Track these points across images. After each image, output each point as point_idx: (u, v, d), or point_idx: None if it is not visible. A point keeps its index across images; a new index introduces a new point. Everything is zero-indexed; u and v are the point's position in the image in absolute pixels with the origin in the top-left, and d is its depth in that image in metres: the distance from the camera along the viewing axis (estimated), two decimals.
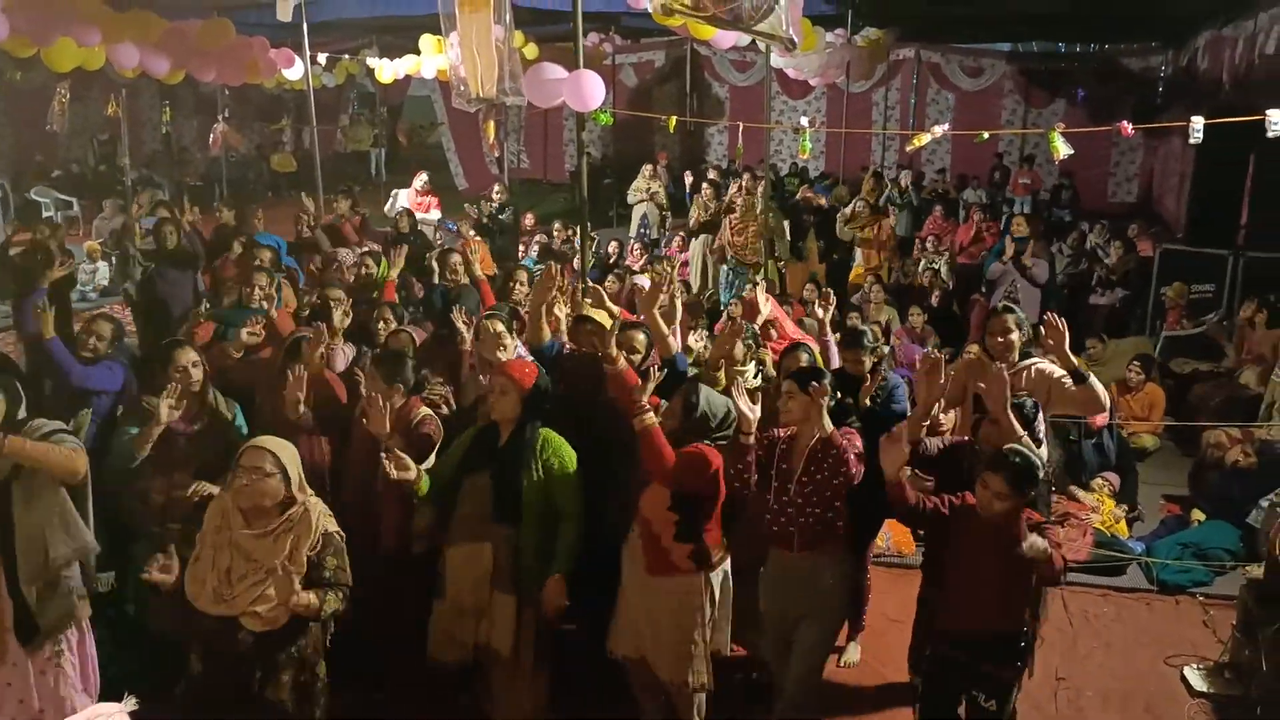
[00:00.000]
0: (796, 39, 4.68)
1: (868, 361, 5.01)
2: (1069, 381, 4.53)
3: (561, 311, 5.41)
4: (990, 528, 3.64)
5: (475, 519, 4.09)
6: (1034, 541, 3.51)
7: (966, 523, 3.76)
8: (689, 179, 15.06)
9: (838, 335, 5.54)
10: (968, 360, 5.11)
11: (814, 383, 3.97)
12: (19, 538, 3.63)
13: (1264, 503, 6.09)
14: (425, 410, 4.54)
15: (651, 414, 3.98)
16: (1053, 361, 4.66)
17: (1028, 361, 4.78)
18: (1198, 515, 6.77)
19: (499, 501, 4.07)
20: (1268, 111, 5.03)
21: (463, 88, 4.96)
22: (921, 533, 5.38)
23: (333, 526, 3.52)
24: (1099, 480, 7.07)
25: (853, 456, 3.98)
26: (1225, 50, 11.85)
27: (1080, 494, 6.92)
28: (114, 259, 12.46)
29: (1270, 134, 5.07)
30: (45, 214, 15.61)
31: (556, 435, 4.17)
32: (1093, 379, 4.52)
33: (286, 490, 3.41)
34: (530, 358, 4.59)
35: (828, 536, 4.06)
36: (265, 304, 5.66)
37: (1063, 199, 16.33)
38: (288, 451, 3.49)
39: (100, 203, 14.57)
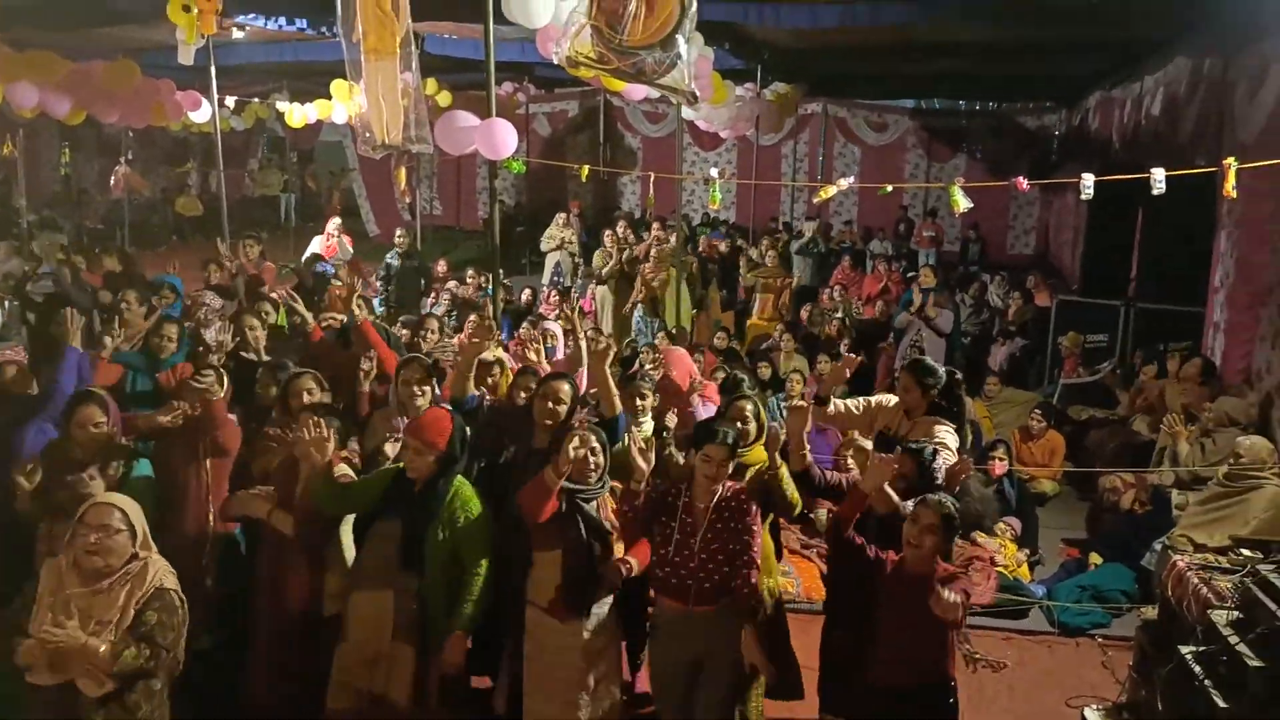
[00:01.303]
0: (698, 92, 4.78)
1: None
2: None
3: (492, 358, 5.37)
4: (917, 580, 3.70)
5: (381, 565, 4.00)
6: (947, 598, 3.57)
7: (896, 575, 3.82)
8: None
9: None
10: (887, 403, 5.19)
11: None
12: None
13: (1157, 545, 6.27)
14: (344, 467, 4.40)
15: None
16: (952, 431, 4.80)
17: (939, 436, 4.83)
18: (1095, 559, 6.95)
19: (407, 550, 3.98)
20: (1152, 169, 5.27)
21: (368, 134, 4.94)
22: (829, 575, 5.40)
23: (170, 584, 3.38)
24: (1001, 525, 7.22)
25: (756, 510, 4.00)
26: (1114, 111, 12.43)
27: (983, 539, 7.06)
28: (7, 304, 12.03)
29: (1155, 190, 5.30)
30: None
31: (468, 487, 4.11)
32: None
33: (132, 547, 3.32)
34: (448, 407, 4.47)
35: (727, 592, 4.00)
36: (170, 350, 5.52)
37: (971, 253, 16.88)
38: (134, 508, 3.39)
39: None
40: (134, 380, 5.67)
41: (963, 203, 5.98)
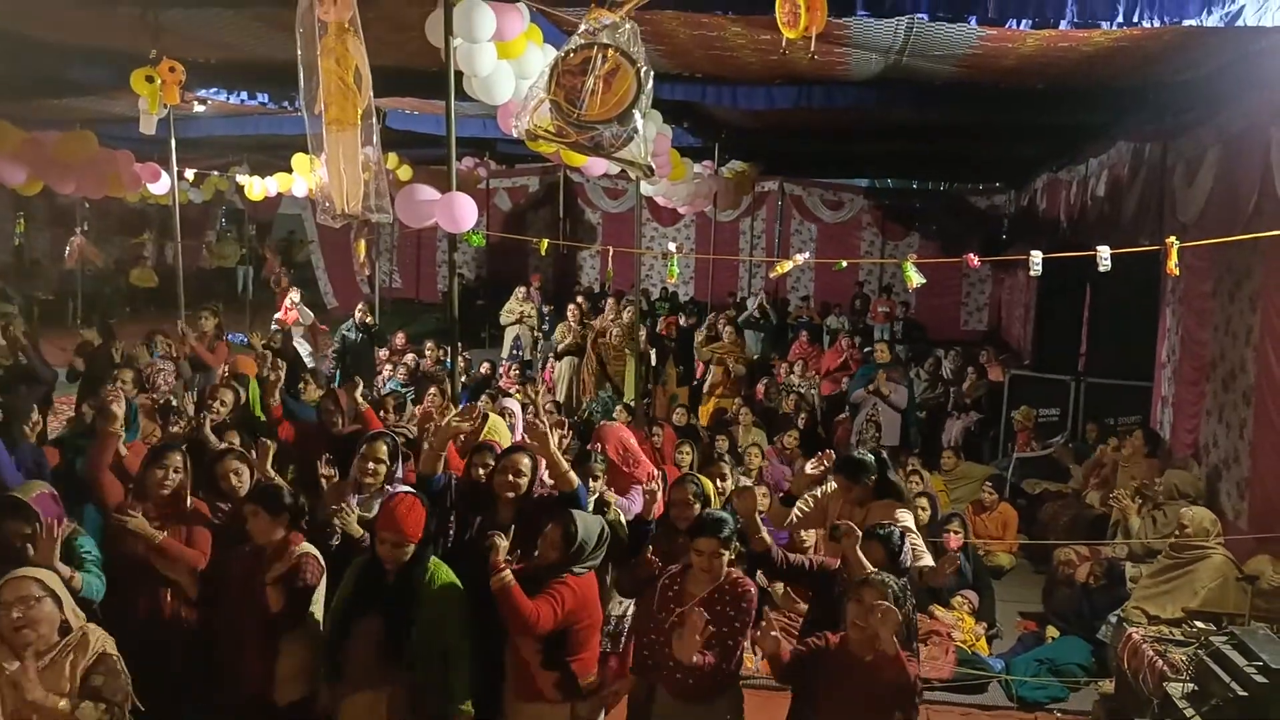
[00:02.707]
0: (655, 167, 4.88)
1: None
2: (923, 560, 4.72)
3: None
4: (863, 662, 3.67)
5: (368, 665, 3.91)
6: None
7: (840, 656, 3.78)
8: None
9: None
10: (833, 491, 5.22)
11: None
12: None
13: (1112, 618, 6.32)
14: (305, 547, 4.27)
15: (509, 573, 3.89)
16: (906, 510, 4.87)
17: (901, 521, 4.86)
18: (1052, 632, 6.98)
19: (392, 644, 3.90)
20: (1098, 247, 5.41)
21: (328, 204, 4.97)
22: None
23: (111, 649, 3.38)
24: (959, 598, 7.23)
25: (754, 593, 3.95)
26: (1061, 192, 12.79)
27: (940, 612, 7.06)
28: None
29: (1101, 268, 5.44)
30: None
31: (444, 567, 4.07)
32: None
33: (61, 614, 3.29)
34: (412, 490, 4.40)
35: (726, 686, 3.93)
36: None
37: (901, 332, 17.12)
38: (53, 576, 3.38)
39: None
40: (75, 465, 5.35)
41: (916, 278, 6.09)
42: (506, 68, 6.13)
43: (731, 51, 7.67)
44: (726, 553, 3.96)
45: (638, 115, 4.64)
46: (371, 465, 4.77)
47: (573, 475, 4.56)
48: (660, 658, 3.92)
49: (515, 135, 5.15)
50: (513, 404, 6.69)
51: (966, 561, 7.45)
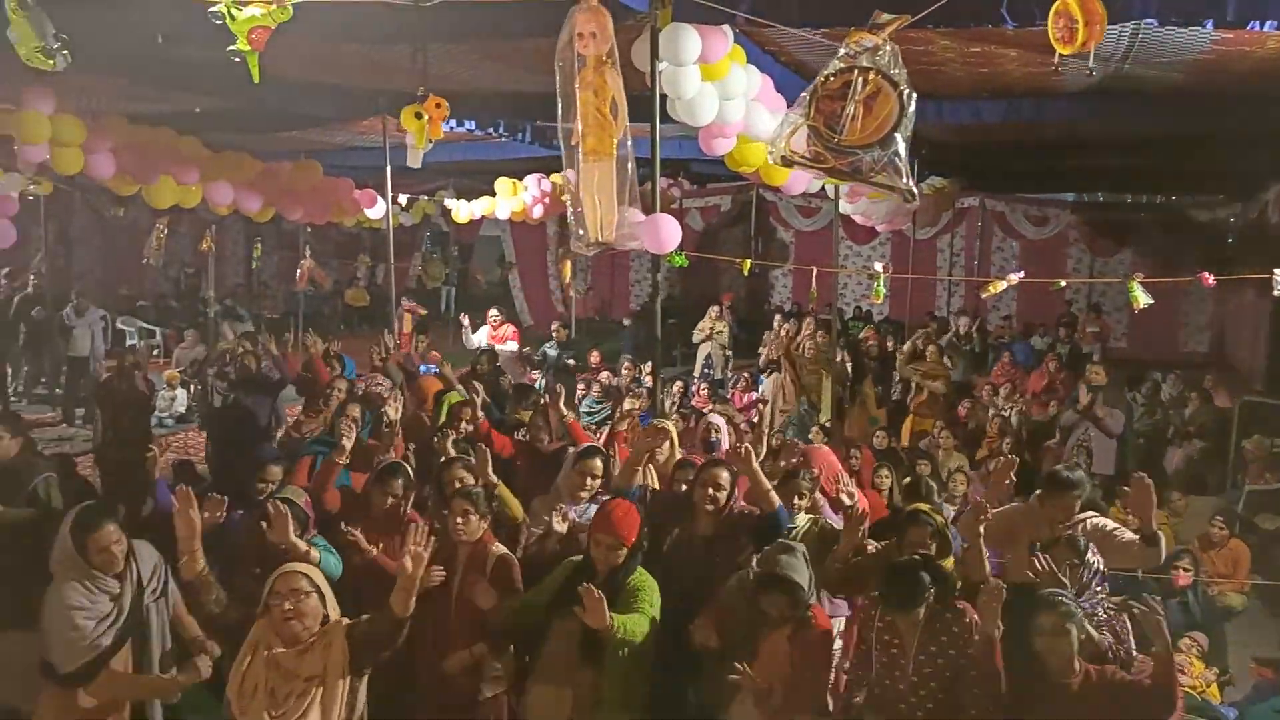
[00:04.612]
0: (915, 190, 4.78)
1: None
2: (1126, 536, 4.47)
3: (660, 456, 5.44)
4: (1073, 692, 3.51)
5: (561, 663, 4.02)
6: None
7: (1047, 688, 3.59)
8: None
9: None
10: (1024, 508, 4.97)
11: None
12: None
13: None
14: (500, 548, 4.45)
15: None
16: (1125, 515, 4.60)
17: (1082, 516, 4.69)
18: None
19: (587, 647, 3.98)
20: None
21: (581, 231, 5.11)
22: None
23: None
24: (1186, 640, 6.75)
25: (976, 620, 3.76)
26: None
27: None
28: (192, 387, 12.81)
29: None
30: (129, 341, 16.15)
31: (649, 578, 4.12)
32: (1162, 544, 4.44)
33: (323, 609, 3.49)
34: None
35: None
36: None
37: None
38: (317, 573, 3.59)
39: (182, 332, 15.05)
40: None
41: (1143, 298, 5.76)
42: (710, 89, 6.18)
43: (938, 65, 7.48)
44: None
45: (899, 139, 4.56)
46: (589, 480, 4.92)
47: (774, 495, 4.53)
48: (891, 696, 3.79)
49: (770, 161, 5.16)
50: (718, 419, 6.72)
51: (1196, 600, 6.97)
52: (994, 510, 4.93)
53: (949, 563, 4.32)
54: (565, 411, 6.10)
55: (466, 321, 12.52)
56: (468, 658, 4.23)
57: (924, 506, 5.01)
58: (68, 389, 12.46)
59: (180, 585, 4.03)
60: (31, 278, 13.82)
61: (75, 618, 3.72)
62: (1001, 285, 6.90)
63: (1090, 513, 4.75)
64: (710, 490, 4.53)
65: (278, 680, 3.38)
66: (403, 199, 14.94)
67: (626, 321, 18.54)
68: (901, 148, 4.60)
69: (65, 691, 3.78)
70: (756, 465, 4.55)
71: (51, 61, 4.44)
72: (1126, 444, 9.66)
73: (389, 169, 10.05)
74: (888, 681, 3.78)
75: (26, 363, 13.39)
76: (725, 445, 6.39)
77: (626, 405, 6.67)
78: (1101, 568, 4.23)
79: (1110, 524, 4.61)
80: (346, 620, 3.51)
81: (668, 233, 5.65)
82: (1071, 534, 4.24)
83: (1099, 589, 4.17)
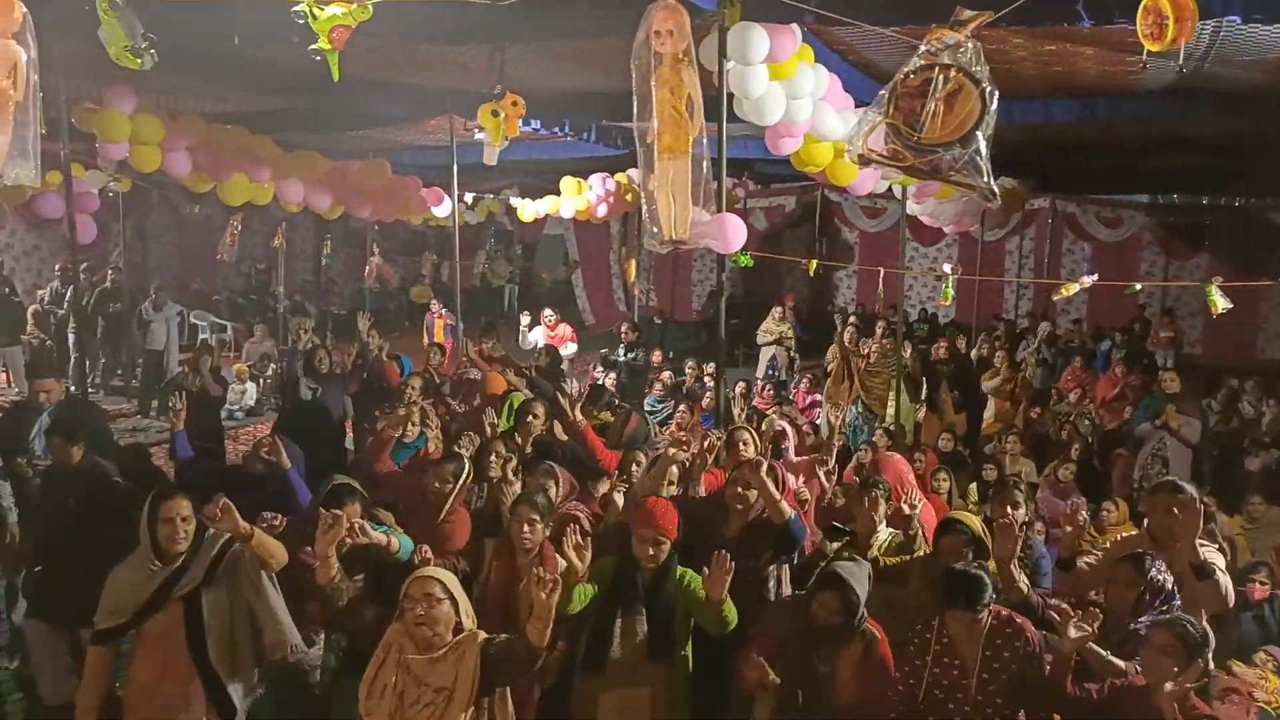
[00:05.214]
0: (996, 189, 4.69)
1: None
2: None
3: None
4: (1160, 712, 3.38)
5: (631, 663, 4.04)
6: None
7: (1137, 706, 3.48)
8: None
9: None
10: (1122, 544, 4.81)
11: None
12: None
13: None
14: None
15: None
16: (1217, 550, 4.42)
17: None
18: None
19: (656, 642, 4.03)
20: None
21: (655, 229, 5.12)
22: None
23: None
24: (1262, 655, 6.54)
25: (1034, 635, 3.68)
26: None
27: (1240, 668, 6.41)
28: (262, 381, 13.06)
29: None
30: (201, 336, 16.52)
31: (690, 570, 4.15)
32: (1219, 576, 4.14)
33: (456, 616, 3.48)
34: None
35: None
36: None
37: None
38: (451, 579, 3.57)
39: (252, 327, 15.36)
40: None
41: (1221, 303, 5.61)
42: (778, 89, 6.15)
43: (1010, 64, 7.35)
44: (985, 615, 3.69)
45: (980, 137, 4.48)
46: (665, 485, 4.97)
47: (784, 505, 4.48)
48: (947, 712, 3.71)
49: (847, 160, 5.11)
50: (783, 424, 6.68)
51: (1272, 614, 6.75)
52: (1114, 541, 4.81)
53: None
54: (578, 416, 5.92)
55: (526, 320, 12.59)
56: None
57: (960, 515, 4.95)
58: (144, 381, 12.78)
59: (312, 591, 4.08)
60: (110, 272, 14.19)
61: (119, 582, 4.01)
62: (1075, 287, 6.77)
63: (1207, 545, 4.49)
64: (739, 489, 4.57)
65: (408, 684, 3.41)
66: (468, 197, 15.08)
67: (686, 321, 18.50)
68: (983, 146, 4.50)
69: (95, 649, 4.07)
70: (765, 476, 4.48)
71: (139, 61, 4.53)
72: (1203, 453, 9.41)
73: (455, 167, 10.16)
74: (951, 705, 3.69)
75: (104, 355, 13.75)
76: (792, 452, 6.37)
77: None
78: (1170, 586, 4.08)
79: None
80: (483, 635, 3.50)
81: (734, 232, 5.64)
82: (1139, 553, 4.10)
83: (1164, 609, 4.01)
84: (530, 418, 6.08)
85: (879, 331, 10.55)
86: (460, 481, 4.90)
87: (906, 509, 4.92)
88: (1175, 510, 4.27)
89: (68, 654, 5.26)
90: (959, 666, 3.69)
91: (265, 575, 4.08)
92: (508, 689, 3.55)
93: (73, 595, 4.72)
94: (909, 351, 11.10)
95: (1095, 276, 6.81)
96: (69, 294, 13.15)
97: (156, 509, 3.99)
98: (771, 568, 4.65)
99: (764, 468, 4.49)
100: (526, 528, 4.24)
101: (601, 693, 4.06)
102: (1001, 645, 3.68)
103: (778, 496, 4.49)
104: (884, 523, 5.01)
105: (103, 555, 4.26)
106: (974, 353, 12.79)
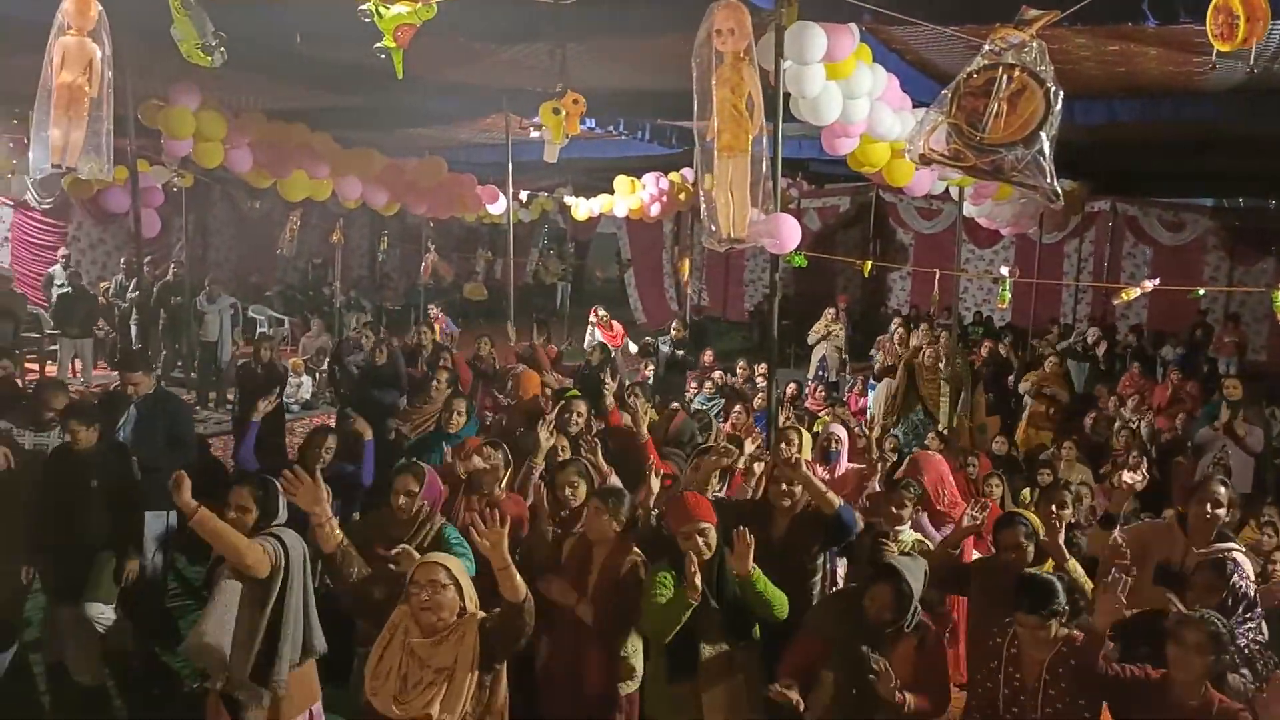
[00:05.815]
0: (1059, 190, 4.65)
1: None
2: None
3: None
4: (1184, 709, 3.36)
5: (723, 655, 4.10)
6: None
7: (1162, 698, 3.44)
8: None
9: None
10: (1156, 525, 4.78)
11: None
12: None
13: None
14: (639, 556, 4.39)
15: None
16: (1245, 555, 4.37)
17: (1222, 546, 4.43)
18: None
19: (734, 627, 4.12)
20: None
21: (714, 227, 5.13)
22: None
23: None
24: None
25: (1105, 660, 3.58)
26: None
27: None
28: (318, 374, 13.25)
29: None
30: (260, 329, 16.78)
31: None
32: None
33: (461, 601, 3.53)
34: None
35: None
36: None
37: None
38: (456, 564, 3.62)
39: (308, 321, 15.58)
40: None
41: None
42: (834, 88, 6.12)
43: (1072, 64, 7.23)
44: (1055, 622, 3.60)
45: (1044, 137, 4.44)
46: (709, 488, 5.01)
47: (832, 496, 4.48)
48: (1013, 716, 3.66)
49: (907, 159, 5.08)
50: (839, 430, 6.63)
51: None
52: (1128, 527, 4.77)
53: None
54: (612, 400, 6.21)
55: (593, 320, 12.71)
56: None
57: (1021, 510, 4.91)
58: (201, 373, 13.03)
59: (323, 560, 4.08)
60: (172, 266, 14.47)
61: None
62: (1136, 292, 6.65)
63: (1230, 545, 4.46)
64: (783, 485, 4.59)
65: (412, 666, 3.48)
66: (523, 195, 15.17)
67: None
68: (1046, 146, 4.46)
69: None
70: (808, 471, 4.54)
71: (210, 58, 4.63)
72: (1265, 461, 9.19)
73: (510, 165, 10.22)
74: (1015, 709, 3.65)
75: (165, 347, 14.04)
76: (845, 456, 6.34)
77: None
78: (1251, 593, 4.03)
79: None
80: (481, 614, 3.56)
81: (788, 232, 5.62)
82: (1219, 558, 4.03)
83: (1247, 615, 3.96)
84: (575, 415, 6.13)
85: (941, 337, 10.44)
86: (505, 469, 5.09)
87: (968, 519, 4.74)
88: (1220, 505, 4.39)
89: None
90: (1019, 683, 3.64)
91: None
92: (503, 668, 3.63)
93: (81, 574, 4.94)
94: (960, 357, 10.97)
95: (1157, 281, 6.67)
96: (132, 286, 13.44)
97: (227, 497, 4.11)
98: (820, 559, 4.69)
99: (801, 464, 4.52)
100: (570, 488, 4.69)
101: (704, 692, 4.09)
102: (1061, 675, 3.59)
103: (823, 489, 4.49)
104: (909, 524, 5.03)
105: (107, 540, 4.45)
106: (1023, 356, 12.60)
